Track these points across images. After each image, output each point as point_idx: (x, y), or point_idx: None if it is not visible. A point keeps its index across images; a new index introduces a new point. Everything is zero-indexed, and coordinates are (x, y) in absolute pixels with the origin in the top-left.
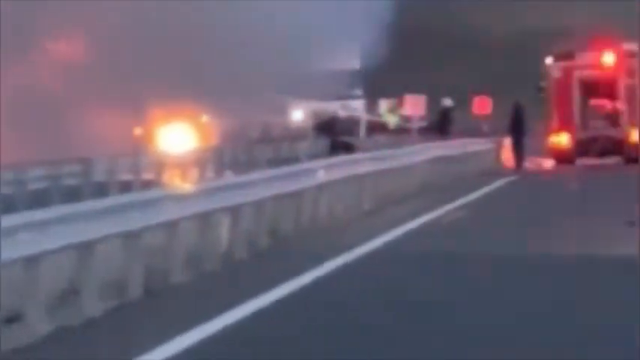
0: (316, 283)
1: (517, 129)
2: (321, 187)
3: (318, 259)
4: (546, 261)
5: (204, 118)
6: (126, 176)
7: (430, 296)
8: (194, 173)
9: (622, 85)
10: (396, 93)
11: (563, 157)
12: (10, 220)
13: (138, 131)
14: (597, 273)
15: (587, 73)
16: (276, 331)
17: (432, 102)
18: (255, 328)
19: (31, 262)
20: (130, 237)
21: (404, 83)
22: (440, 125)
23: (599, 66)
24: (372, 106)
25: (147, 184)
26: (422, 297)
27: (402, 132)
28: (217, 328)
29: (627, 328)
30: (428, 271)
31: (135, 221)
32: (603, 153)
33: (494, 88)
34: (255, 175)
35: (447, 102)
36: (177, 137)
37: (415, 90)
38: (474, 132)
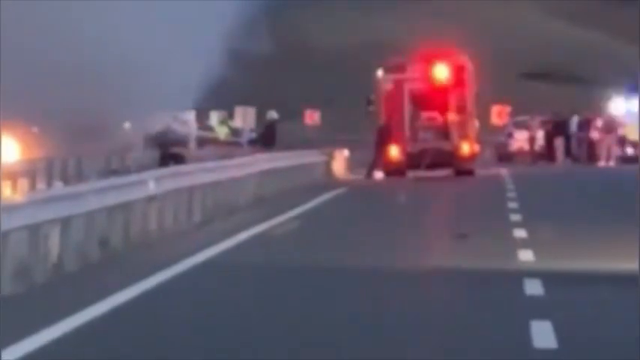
0: (141, 297)
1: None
2: (151, 199)
3: (147, 272)
4: (374, 273)
5: (34, 130)
6: None
7: (242, 310)
8: (24, 184)
9: (453, 97)
10: (227, 105)
11: (393, 170)
12: None
13: None
14: (428, 285)
15: (418, 86)
16: (97, 344)
17: (263, 115)
18: (79, 340)
19: None
20: None
21: (235, 95)
22: (265, 137)
23: (429, 78)
24: (202, 118)
25: None
26: (234, 311)
27: (232, 144)
28: (46, 340)
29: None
30: (246, 283)
31: None
32: (434, 165)
33: (325, 100)
34: (85, 186)
35: (273, 114)
36: (6, 148)
37: (246, 102)
38: (304, 144)
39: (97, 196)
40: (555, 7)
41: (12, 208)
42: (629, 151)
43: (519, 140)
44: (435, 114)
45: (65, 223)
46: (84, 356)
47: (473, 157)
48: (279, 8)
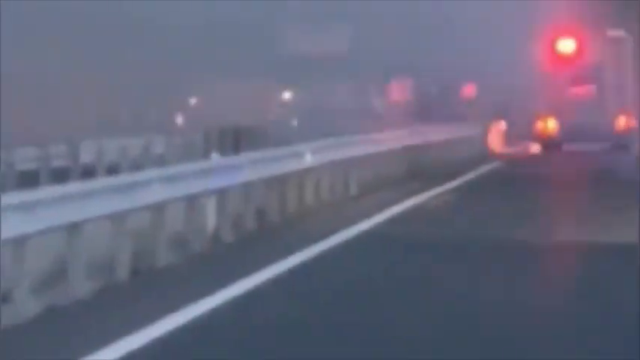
0: (297, 268)
1: None
2: (307, 171)
3: (302, 244)
4: (529, 248)
5: None
6: None
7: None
8: None
9: (608, 71)
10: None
11: (549, 143)
12: None
13: None
14: (588, 260)
15: (572, 60)
16: (258, 314)
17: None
18: (235, 311)
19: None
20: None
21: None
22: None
23: (578, 54)
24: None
25: None
26: (389, 285)
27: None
28: (205, 309)
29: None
30: (399, 256)
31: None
32: (589, 139)
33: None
34: (241, 158)
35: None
36: None
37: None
38: (460, 117)
39: (254, 167)
40: None
41: (170, 179)
42: None
43: None
44: (589, 88)
45: (221, 194)
46: (237, 326)
47: (628, 130)
48: None
